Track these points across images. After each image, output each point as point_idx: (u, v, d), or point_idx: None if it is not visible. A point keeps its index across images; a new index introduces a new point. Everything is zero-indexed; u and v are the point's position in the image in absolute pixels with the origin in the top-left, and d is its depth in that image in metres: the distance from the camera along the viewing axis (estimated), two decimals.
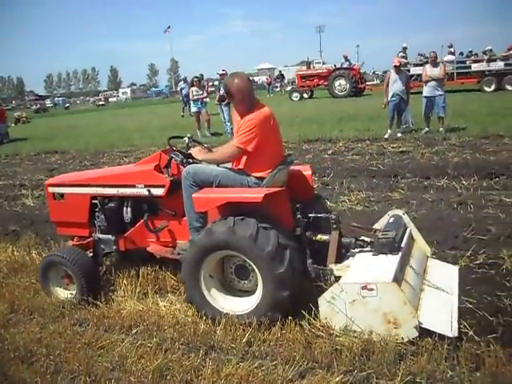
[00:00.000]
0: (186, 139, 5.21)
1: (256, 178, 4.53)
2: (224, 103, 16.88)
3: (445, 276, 4.71)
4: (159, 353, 3.92)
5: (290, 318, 4.06)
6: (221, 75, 17.76)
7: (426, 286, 4.38)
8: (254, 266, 4.17)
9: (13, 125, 39.91)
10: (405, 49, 29.62)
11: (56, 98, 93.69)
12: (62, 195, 5.61)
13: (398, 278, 3.88)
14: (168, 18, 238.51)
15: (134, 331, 4.34)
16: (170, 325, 4.33)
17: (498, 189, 8.02)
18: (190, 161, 4.91)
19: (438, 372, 3.39)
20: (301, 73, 37.68)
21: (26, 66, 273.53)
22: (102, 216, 5.37)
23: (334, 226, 4.59)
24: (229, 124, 17.02)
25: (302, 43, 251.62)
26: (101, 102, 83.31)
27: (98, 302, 4.92)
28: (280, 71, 57.99)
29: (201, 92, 17.78)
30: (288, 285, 4.02)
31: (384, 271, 3.92)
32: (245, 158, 4.56)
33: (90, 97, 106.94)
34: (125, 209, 5.29)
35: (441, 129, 13.83)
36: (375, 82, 44.63)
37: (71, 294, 5.10)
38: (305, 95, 35.88)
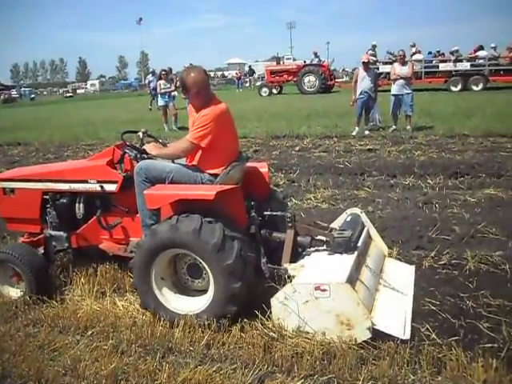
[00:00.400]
0: (141, 134, 5.05)
1: (210, 174, 4.45)
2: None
3: (401, 276, 4.72)
4: (114, 356, 3.76)
5: (248, 320, 3.97)
6: None
7: (381, 286, 4.35)
8: (202, 262, 4.08)
9: None
10: (374, 46, 29.81)
11: (22, 89, 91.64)
12: (12, 190, 5.40)
13: (352, 279, 3.83)
14: (139, 9, 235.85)
15: (89, 332, 4.18)
16: (127, 326, 4.18)
17: (462, 188, 8.08)
18: (145, 156, 4.77)
19: (399, 376, 3.33)
20: (270, 68, 37.69)
21: None
22: (54, 212, 5.22)
23: (290, 224, 4.50)
24: None
25: (273, 39, 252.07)
26: (68, 94, 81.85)
27: (54, 302, 4.74)
28: (250, 66, 57.78)
29: (168, 85, 17.57)
30: (239, 276, 3.93)
31: (338, 271, 3.85)
32: (199, 154, 4.47)
33: (57, 88, 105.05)
34: (77, 205, 5.13)
35: (408, 127, 13.90)
36: (345, 79, 44.94)
37: (21, 292, 4.90)
38: (274, 91, 35.94)
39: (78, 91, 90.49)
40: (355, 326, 3.60)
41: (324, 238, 4.54)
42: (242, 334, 3.91)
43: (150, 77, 29.43)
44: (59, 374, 3.59)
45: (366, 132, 13.84)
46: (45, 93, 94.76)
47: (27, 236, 5.47)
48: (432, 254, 5.33)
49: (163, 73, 18.10)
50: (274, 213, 4.69)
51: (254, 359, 3.61)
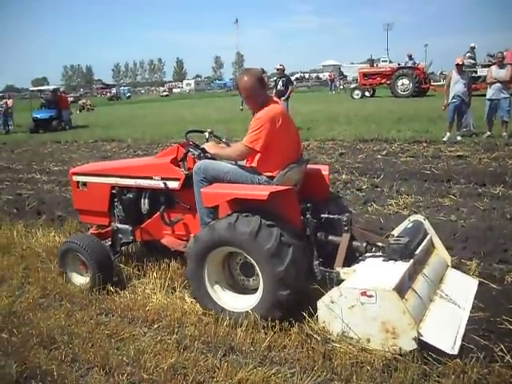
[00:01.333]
0: (207, 134, 5.14)
1: (267, 176, 4.45)
2: (283, 98, 16.70)
3: (462, 289, 4.51)
4: (176, 350, 3.83)
5: (310, 325, 3.90)
6: (278, 70, 17.49)
7: (437, 297, 4.19)
8: (254, 264, 4.10)
9: (77, 112, 41.12)
10: (472, 48, 28.43)
11: (122, 88, 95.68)
12: (84, 184, 5.74)
13: (401, 287, 3.73)
14: (236, 11, 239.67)
15: (156, 325, 4.30)
16: (193, 322, 4.25)
17: None
18: (208, 156, 4.84)
19: None
20: (363, 71, 37.20)
21: (95, 55, 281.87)
22: (121, 206, 5.49)
23: (346, 228, 4.45)
24: None
25: (369, 41, 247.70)
26: (165, 93, 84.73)
27: (126, 293, 4.91)
28: (339, 69, 56.88)
29: None
30: (288, 284, 3.94)
31: (387, 278, 3.76)
32: (256, 156, 4.47)
33: (155, 87, 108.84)
34: (142, 200, 5.35)
35: (504, 133, 13.20)
36: (441, 83, 43.40)
37: (87, 280, 5.15)
38: (366, 93, 35.44)
39: (174, 90, 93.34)
40: (400, 335, 3.50)
41: (380, 244, 4.45)
42: (303, 337, 3.84)
43: None
44: (123, 363, 3.70)
45: (458, 138, 13.27)
46: (142, 91, 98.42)
47: (96, 228, 5.78)
48: None
49: None
50: (331, 216, 4.62)
51: (313, 365, 3.55)
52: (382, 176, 9.49)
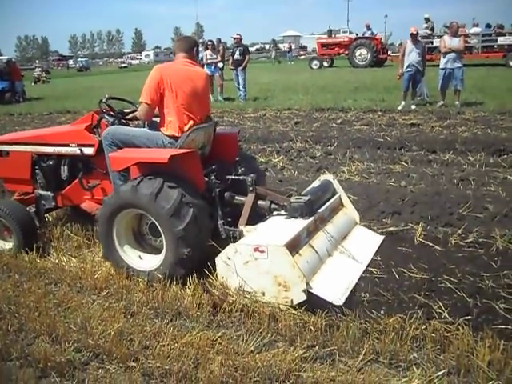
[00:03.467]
0: (104, 99, 5.26)
1: (172, 137, 4.59)
2: (240, 68, 16.62)
3: (364, 245, 4.78)
4: (124, 317, 3.86)
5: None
6: (235, 39, 17.38)
7: (337, 252, 4.43)
8: (157, 224, 4.26)
9: (32, 84, 40.05)
10: (427, 20, 28.58)
11: (79, 59, 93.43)
12: (7, 153, 5.80)
13: (295, 243, 3.96)
14: None
15: (104, 293, 4.30)
16: (141, 289, 4.25)
17: (504, 166, 7.74)
18: (123, 121, 5.17)
19: (401, 352, 3.27)
20: (322, 41, 37.17)
21: (51, 25, 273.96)
22: (42, 173, 5.64)
23: (251, 188, 4.68)
24: (243, 89, 16.81)
25: (329, 12, 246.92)
26: (123, 65, 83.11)
27: (76, 262, 4.89)
28: (273, 40, 56.03)
29: (215, 56, 17.45)
30: (189, 242, 4.12)
31: (281, 235, 3.95)
32: (161, 117, 4.65)
33: (113, 59, 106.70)
34: (62, 167, 5.49)
35: (456, 102, 13.41)
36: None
37: (10, 245, 5.29)
38: (325, 64, 35.51)
39: (133, 62, 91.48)
40: (291, 288, 3.70)
41: (283, 204, 4.61)
42: (249, 302, 3.89)
43: (200, 48, 29.42)
44: (70, 331, 3.69)
45: (413, 107, 13.42)
46: (100, 63, 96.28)
47: (19, 194, 5.91)
48: (459, 232, 5.16)
49: (209, 43, 18.02)
50: (236, 177, 4.85)
51: (258, 327, 3.63)
52: (335, 144, 9.54)
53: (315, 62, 35.67)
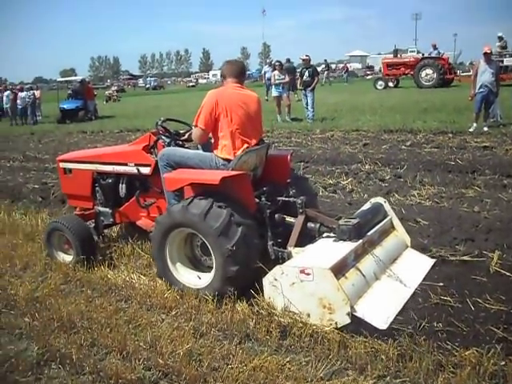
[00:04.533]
0: (159, 121, 5.47)
1: (224, 159, 4.71)
2: (309, 89, 16.64)
3: (414, 268, 4.72)
4: (193, 337, 3.88)
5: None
6: (304, 60, 17.43)
7: (385, 276, 4.41)
8: (206, 242, 4.37)
9: (104, 102, 41.53)
10: (500, 38, 27.76)
11: (148, 78, 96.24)
12: (70, 170, 6.18)
13: (341, 266, 3.98)
14: (261, 1, 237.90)
15: (173, 312, 4.34)
16: (210, 309, 4.27)
17: None
18: (179, 143, 5.38)
19: None
20: (387, 61, 36.45)
21: (123, 46, 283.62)
22: (101, 190, 5.94)
23: (300, 210, 4.70)
24: (311, 110, 16.77)
25: (397, 31, 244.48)
26: (191, 84, 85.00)
27: (146, 281, 4.97)
28: (325, 60, 55.20)
29: (282, 77, 17.52)
30: (237, 261, 4.20)
31: (327, 258, 3.98)
32: (214, 140, 4.82)
33: (181, 78, 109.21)
34: (120, 185, 5.73)
35: None
36: (470, 73, 42.58)
37: (70, 258, 5.54)
38: (390, 84, 34.85)
39: (201, 81, 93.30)
40: (336, 311, 3.71)
41: (332, 226, 4.61)
42: (316, 328, 3.82)
43: (266, 67, 29.68)
44: (140, 349, 3.75)
45: (485, 129, 12.99)
46: (169, 82, 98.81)
47: (79, 210, 6.22)
48: None
49: (277, 64, 18.15)
50: (287, 199, 4.89)
51: (328, 353, 3.56)
52: (405, 167, 9.35)
53: (380, 82, 35.20)
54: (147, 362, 3.59)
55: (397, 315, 3.96)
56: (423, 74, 32.04)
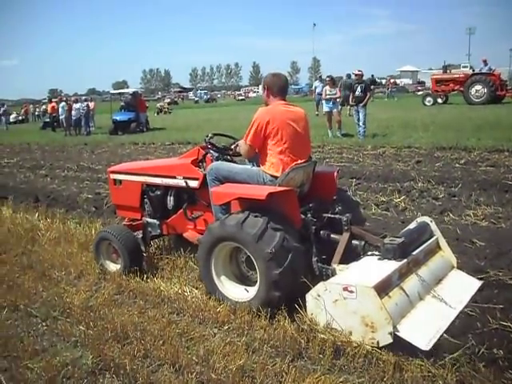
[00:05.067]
0: (207, 138, 5.55)
1: (272, 176, 4.76)
2: (361, 104, 16.50)
3: (460, 290, 4.58)
4: (246, 352, 3.86)
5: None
6: (356, 75, 17.31)
7: (429, 296, 4.30)
8: (247, 252, 4.46)
9: (155, 115, 42.29)
10: None
11: (198, 91, 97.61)
12: (120, 181, 6.37)
13: (385, 284, 3.94)
14: (313, 15, 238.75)
15: (225, 327, 4.33)
16: (262, 325, 4.25)
17: None
18: (227, 157, 5.49)
19: None
20: (436, 77, 35.84)
21: (174, 59, 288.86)
22: (150, 202, 6.10)
23: (346, 227, 4.70)
24: (363, 126, 16.59)
25: (449, 46, 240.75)
26: (241, 97, 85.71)
27: (198, 294, 4.98)
28: (372, 75, 54.47)
29: (334, 91, 17.47)
30: (282, 287, 4.24)
31: (371, 276, 3.96)
32: (261, 155, 4.87)
33: (231, 91, 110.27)
34: (168, 197, 5.88)
35: None
36: None
37: (118, 267, 5.71)
38: (439, 100, 34.15)
39: (250, 95, 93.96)
40: (378, 330, 3.69)
41: (376, 244, 4.59)
42: (371, 349, 3.76)
43: (316, 83, 29.73)
44: (192, 362, 3.76)
45: None
46: (219, 95, 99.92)
47: (128, 220, 6.38)
48: None
49: (328, 79, 18.11)
50: (332, 215, 4.91)
51: (382, 375, 3.49)
52: (459, 185, 9.12)
53: (429, 98, 34.47)
54: (200, 376, 3.59)
55: (454, 339, 3.86)
56: (473, 90, 31.30)
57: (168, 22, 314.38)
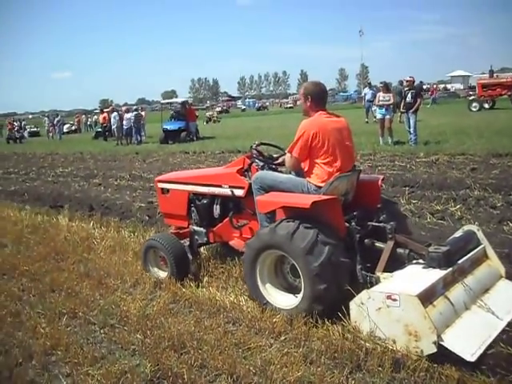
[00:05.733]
0: (254, 145, 5.63)
1: (316, 185, 4.82)
2: (411, 111, 16.24)
3: (508, 300, 4.48)
4: (303, 364, 3.82)
5: (440, 350, 3.70)
6: (407, 82, 17.02)
7: (475, 306, 4.23)
8: (294, 263, 4.50)
9: (204, 123, 42.77)
10: None
11: (247, 100, 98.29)
12: (168, 190, 6.51)
13: (429, 293, 3.90)
14: (361, 21, 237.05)
15: (282, 338, 4.29)
16: (319, 336, 4.20)
17: None
18: (273, 166, 5.51)
19: None
20: (482, 81, 34.92)
21: (222, 68, 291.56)
22: (197, 211, 6.22)
23: (390, 236, 4.68)
24: (414, 133, 16.31)
25: (502, 49, 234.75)
26: (289, 105, 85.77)
27: (255, 305, 4.95)
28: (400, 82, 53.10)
29: (387, 98, 17.23)
30: (324, 279, 4.26)
31: (415, 284, 3.95)
32: (306, 165, 4.91)
33: (279, 99, 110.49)
34: (214, 206, 5.99)
35: None
36: None
37: (165, 274, 5.85)
38: (485, 105, 33.19)
39: (299, 102, 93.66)
40: (422, 339, 3.67)
41: (421, 252, 4.54)
42: (432, 363, 3.66)
43: (366, 89, 29.52)
44: (250, 373, 3.74)
45: None
46: (267, 103, 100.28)
47: (175, 228, 6.55)
48: None
49: (382, 85, 17.88)
50: (376, 224, 4.87)
51: None
52: None
53: (475, 104, 33.57)
54: None
55: None
56: None
57: (215, 32, 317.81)
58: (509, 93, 32.03)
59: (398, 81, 25.61)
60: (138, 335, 4.53)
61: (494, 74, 36.28)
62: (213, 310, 4.96)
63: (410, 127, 16.49)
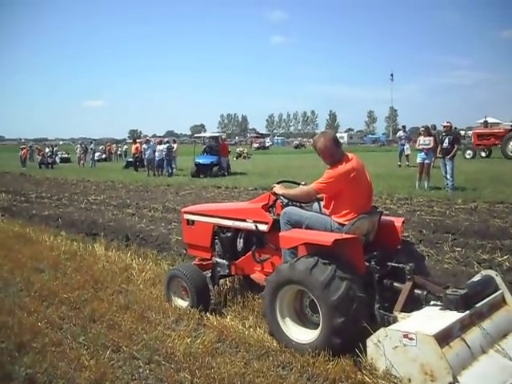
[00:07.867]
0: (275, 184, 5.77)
1: (339, 223, 4.99)
2: (448, 157, 16.04)
3: None
4: None
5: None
6: (445, 127, 16.83)
7: (492, 350, 4.21)
8: (313, 297, 4.58)
9: (234, 159, 43.04)
10: None
11: (275, 137, 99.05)
12: (193, 222, 6.64)
13: (446, 334, 3.91)
14: (391, 65, 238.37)
15: None
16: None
17: None
18: (297, 204, 5.54)
19: None
20: (477, 131, 36.43)
21: (251, 105, 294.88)
22: (220, 243, 6.34)
23: (408, 276, 4.76)
24: (451, 179, 16.05)
25: None
26: None
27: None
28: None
29: (428, 142, 17.02)
30: (342, 312, 4.32)
31: (432, 325, 3.96)
32: (331, 204, 5.09)
33: (307, 138, 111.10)
34: (238, 239, 6.09)
35: None
36: None
37: (186, 304, 5.97)
38: (482, 154, 35.42)
39: None
40: (437, 379, 3.68)
41: (439, 294, 4.60)
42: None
43: (400, 132, 29.51)
44: None
45: None
46: (295, 142, 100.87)
47: (199, 259, 6.63)
48: None
49: (423, 128, 17.71)
50: (396, 264, 4.95)
51: None
52: None
53: (468, 151, 35.34)
54: None
55: None
56: (510, 144, 32.27)
57: (247, 68, 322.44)
58: (499, 143, 33.37)
59: (431, 125, 25.50)
60: (185, 374, 4.39)
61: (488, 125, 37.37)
62: (261, 352, 4.80)
63: (446, 173, 16.25)
